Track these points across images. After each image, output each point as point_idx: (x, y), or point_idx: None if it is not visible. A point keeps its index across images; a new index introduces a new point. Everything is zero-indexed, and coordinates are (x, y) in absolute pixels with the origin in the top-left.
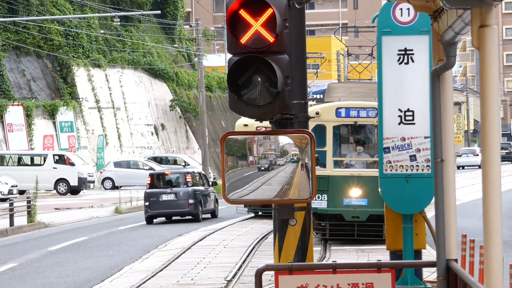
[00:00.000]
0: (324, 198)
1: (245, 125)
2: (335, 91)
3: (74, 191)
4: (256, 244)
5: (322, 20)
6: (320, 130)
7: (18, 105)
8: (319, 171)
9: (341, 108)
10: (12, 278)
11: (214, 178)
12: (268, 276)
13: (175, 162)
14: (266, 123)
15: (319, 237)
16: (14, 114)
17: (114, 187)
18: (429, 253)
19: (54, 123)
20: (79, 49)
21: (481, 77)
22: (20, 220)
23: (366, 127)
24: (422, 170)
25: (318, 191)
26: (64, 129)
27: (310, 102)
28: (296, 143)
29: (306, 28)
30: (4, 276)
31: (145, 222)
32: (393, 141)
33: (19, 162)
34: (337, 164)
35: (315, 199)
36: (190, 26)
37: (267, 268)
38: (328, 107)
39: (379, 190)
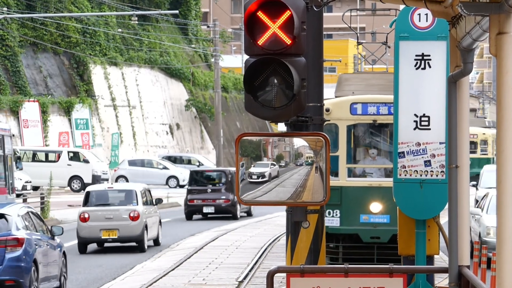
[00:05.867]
0: (337, 215)
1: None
2: (348, 84)
3: None
4: (268, 246)
5: (340, 23)
6: (331, 130)
7: (34, 101)
8: (330, 181)
9: (357, 103)
10: None
11: None
12: (279, 278)
13: (189, 162)
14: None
15: (328, 261)
16: (30, 110)
17: None
18: (441, 259)
19: (69, 120)
20: (96, 47)
21: (498, 84)
22: None
23: (388, 126)
24: (437, 175)
25: (329, 206)
26: (79, 126)
27: None
28: (311, 145)
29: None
30: None
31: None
32: (408, 146)
33: (34, 158)
34: (351, 172)
35: (326, 216)
36: (208, 26)
37: (279, 270)
38: (341, 103)
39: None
